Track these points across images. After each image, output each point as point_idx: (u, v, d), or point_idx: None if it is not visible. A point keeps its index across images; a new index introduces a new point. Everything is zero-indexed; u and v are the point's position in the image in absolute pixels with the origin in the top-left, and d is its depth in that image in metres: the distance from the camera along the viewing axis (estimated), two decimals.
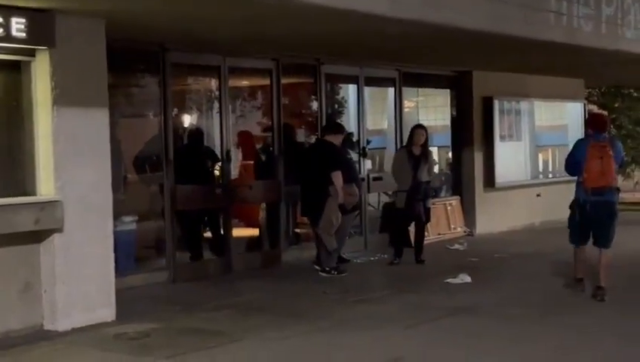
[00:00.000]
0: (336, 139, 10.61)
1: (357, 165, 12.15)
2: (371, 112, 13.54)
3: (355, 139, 12.57)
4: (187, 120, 11.85)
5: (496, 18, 9.60)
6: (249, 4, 7.49)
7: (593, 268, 8.90)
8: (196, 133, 11.33)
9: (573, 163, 8.77)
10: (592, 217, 8.60)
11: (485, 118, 14.76)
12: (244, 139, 11.90)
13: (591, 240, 8.83)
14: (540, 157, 16.61)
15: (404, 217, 11.20)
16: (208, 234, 11.24)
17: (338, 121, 12.41)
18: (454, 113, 14.89)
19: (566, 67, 14.42)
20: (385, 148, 13.62)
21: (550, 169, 16.86)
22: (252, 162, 11.79)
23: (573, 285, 9.10)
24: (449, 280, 9.73)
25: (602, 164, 8.44)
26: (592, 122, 9.05)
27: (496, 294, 9.03)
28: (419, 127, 11.40)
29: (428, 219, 11.41)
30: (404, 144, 11.73)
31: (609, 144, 8.57)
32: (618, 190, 8.80)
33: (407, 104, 13.94)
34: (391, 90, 13.42)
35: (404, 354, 6.67)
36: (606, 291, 8.62)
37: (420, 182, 11.03)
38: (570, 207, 8.86)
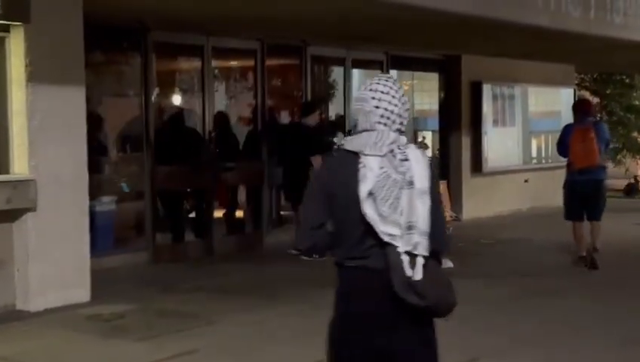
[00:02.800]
0: (312, 119, 10.56)
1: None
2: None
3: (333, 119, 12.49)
4: (169, 100, 11.71)
5: (484, 1, 9.51)
6: None
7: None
8: (178, 113, 11.17)
9: (563, 146, 9.66)
10: (582, 194, 9.46)
11: (474, 102, 14.69)
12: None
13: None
14: (534, 143, 16.65)
15: None
16: (189, 216, 11.22)
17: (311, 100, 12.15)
18: (442, 97, 14.82)
19: (555, 52, 14.34)
20: None
21: (543, 155, 16.90)
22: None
23: (577, 262, 9.66)
24: None
25: (585, 146, 9.27)
26: (577, 107, 9.95)
27: (479, 279, 8.97)
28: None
29: None
30: None
31: (592, 127, 9.43)
32: (604, 168, 9.73)
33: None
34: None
35: None
36: (598, 253, 9.56)
37: None
38: (563, 186, 9.80)
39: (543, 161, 16.51)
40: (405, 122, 3.27)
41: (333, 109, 11.80)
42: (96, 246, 8.32)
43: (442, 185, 14.00)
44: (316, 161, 10.09)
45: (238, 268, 9.82)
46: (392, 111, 3.23)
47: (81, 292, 7.82)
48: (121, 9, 8.67)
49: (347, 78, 12.66)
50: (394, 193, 3.11)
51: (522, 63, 15.28)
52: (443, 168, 14.61)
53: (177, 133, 10.75)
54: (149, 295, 8.23)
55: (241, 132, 11.93)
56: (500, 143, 15.37)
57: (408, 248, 3.10)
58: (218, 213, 11.10)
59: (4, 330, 6.92)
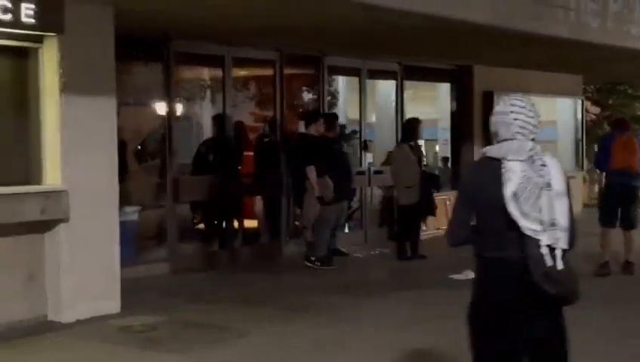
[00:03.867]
0: (316, 128, 10.51)
1: (351, 157, 11.86)
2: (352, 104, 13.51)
3: (349, 131, 12.52)
4: (190, 109, 11.79)
5: (505, 12, 9.56)
6: None
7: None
8: (216, 121, 11.13)
9: (604, 152, 10.06)
10: (620, 197, 9.85)
11: (486, 112, 14.60)
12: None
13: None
14: None
15: (419, 211, 11.10)
16: (209, 225, 11.20)
17: (316, 109, 12.06)
18: (454, 107, 14.82)
19: (568, 63, 14.41)
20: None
21: None
22: (251, 153, 11.61)
23: (601, 268, 9.89)
24: (453, 276, 9.61)
25: (627, 152, 9.85)
26: (617, 123, 10.61)
27: None
28: (420, 121, 11.37)
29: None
30: (401, 138, 11.62)
31: (633, 138, 10.25)
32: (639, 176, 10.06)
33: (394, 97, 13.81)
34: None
35: (412, 352, 6.57)
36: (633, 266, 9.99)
37: (431, 174, 11.29)
38: (600, 191, 10.33)
39: None
40: (537, 129, 3.76)
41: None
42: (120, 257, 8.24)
43: (454, 196, 14.12)
44: (310, 171, 10.16)
45: (259, 278, 9.86)
46: (528, 123, 3.73)
47: (111, 304, 7.82)
48: (146, 20, 8.65)
49: (363, 88, 12.67)
50: (535, 194, 3.57)
51: (532, 74, 15.31)
52: (455, 178, 14.49)
53: (212, 143, 10.90)
54: (176, 306, 8.25)
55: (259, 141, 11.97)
56: None
57: (550, 242, 3.55)
58: (237, 223, 11.08)
59: (38, 341, 6.92)
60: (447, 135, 15.17)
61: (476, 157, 14.19)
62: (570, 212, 3.65)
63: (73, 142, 7.45)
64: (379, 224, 13.00)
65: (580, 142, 17.21)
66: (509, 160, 3.63)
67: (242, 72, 11.84)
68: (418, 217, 11.26)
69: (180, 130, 10.59)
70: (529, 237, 3.56)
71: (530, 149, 3.66)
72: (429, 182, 11.15)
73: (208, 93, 12.06)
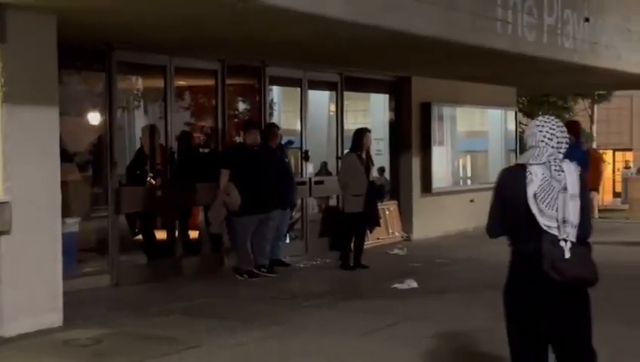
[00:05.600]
0: (249, 138, 10.45)
1: (291, 168, 11.85)
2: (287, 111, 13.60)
3: (286, 142, 12.45)
4: (132, 119, 11.80)
5: (448, 25, 9.68)
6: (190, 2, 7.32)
7: None
8: (151, 131, 11.02)
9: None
10: None
11: (423, 123, 14.84)
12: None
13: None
14: (461, 162, 16.80)
15: (363, 221, 11.16)
16: (148, 237, 10.99)
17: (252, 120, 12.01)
18: (393, 118, 14.90)
19: (504, 75, 14.66)
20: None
21: (469, 175, 17.03)
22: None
23: None
24: (396, 285, 9.74)
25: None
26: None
27: (445, 298, 9.10)
28: (368, 131, 11.44)
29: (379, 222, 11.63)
30: (349, 149, 11.65)
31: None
32: None
33: (332, 108, 13.90)
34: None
35: None
36: None
37: (375, 184, 11.23)
38: None
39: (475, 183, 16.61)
40: (563, 144, 4.33)
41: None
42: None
43: (393, 206, 14.31)
44: (222, 176, 10.15)
45: (203, 289, 9.76)
46: (549, 132, 4.32)
47: (55, 317, 7.67)
48: (88, 29, 8.53)
49: (304, 99, 12.70)
50: (552, 195, 4.19)
51: (468, 85, 15.56)
52: (393, 188, 14.72)
53: (148, 152, 10.74)
54: (120, 318, 8.13)
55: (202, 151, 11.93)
56: (444, 163, 15.59)
57: (563, 236, 4.16)
58: (178, 234, 10.94)
59: None
60: (383, 145, 15.21)
61: (415, 167, 14.71)
62: (587, 211, 4.26)
63: (15, 153, 7.29)
64: (319, 234, 13.01)
65: (513, 153, 17.49)
66: (531, 164, 4.26)
67: (184, 82, 11.76)
68: (363, 226, 11.31)
69: (121, 140, 10.52)
70: (545, 231, 4.18)
71: (550, 155, 4.26)
72: (375, 191, 11.19)
73: (150, 102, 11.88)
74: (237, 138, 11.58)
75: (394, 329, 7.57)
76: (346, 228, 11.30)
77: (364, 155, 11.18)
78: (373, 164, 11.43)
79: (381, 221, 12.05)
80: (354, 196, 11.00)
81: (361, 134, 11.25)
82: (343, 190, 11.32)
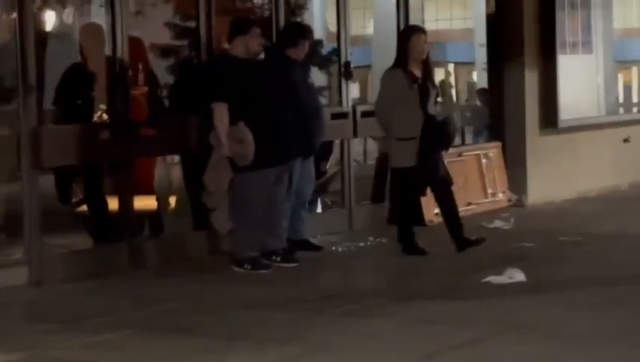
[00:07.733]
0: (246, 44, 8.19)
1: (313, 91, 9.29)
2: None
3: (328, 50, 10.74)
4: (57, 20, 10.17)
5: None
6: None
7: None
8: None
9: None
10: None
11: (543, 14, 11.46)
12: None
13: None
14: (612, 79, 13.95)
15: (417, 179, 8.74)
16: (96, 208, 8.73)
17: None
18: (491, 9, 11.50)
19: None
20: (370, 65, 11.16)
21: (621, 100, 15.00)
22: (146, 88, 9.08)
23: None
24: (490, 278, 7.86)
25: None
26: None
27: (563, 299, 7.14)
28: (419, 30, 8.77)
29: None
30: (395, 60, 8.82)
31: None
32: None
33: None
34: None
35: None
36: None
37: (438, 121, 8.67)
38: None
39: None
40: None
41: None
42: None
43: (494, 151, 11.38)
44: (218, 114, 7.86)
45: (177, 289, 7.58)
46: None
47: None
48: None
49: None
50: None
51: None
52: (494, 123, 11.88)
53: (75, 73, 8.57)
54: (44, 335, 6.29)
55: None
56: (576, 80, 12.51)
57: None
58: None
59: None
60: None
61: (529, 88, 11.49)
62: None
63: None
64: (371, 199, 10.38)
65: None
66: None
67: None
68: (417, 189, 8.91)
69: (43, 53, 8.35)
70: None
71: None
72: (434, 133, 8.56)
73: None
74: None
75: (477, 350, 6.02)
76: (396, 193, 9.05)
77: (417, 72, 8.44)
78: (434, 86, 8.73)
79: (466, 178, 10.13)
80: (400, 140, 8.55)
81: (408, 35, 8.64)
82: (383, 130, 8.87)
